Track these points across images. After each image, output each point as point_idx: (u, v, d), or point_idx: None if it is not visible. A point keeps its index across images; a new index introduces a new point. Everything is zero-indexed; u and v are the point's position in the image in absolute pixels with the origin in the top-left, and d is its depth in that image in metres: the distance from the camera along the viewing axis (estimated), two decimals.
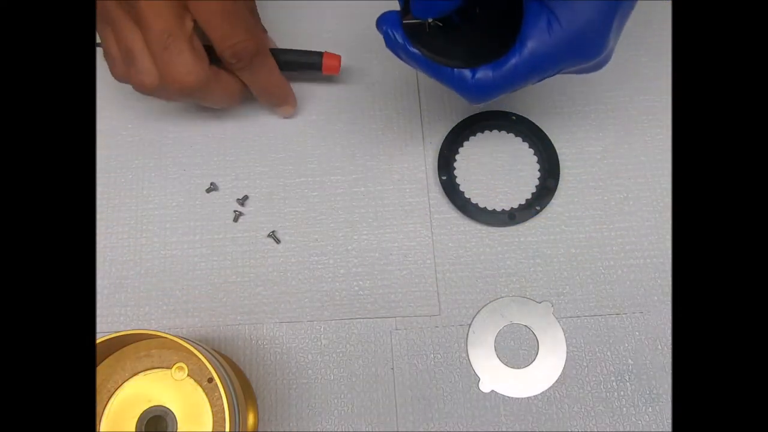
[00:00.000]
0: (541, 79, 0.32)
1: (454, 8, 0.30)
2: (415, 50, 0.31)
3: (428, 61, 0.31)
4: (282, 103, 0.43)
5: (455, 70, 0.31)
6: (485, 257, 0.41)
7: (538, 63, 0.30)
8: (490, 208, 0.41)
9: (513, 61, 0.30)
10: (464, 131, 0.43)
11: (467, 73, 0.31)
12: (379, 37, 0.40)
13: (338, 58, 0.42)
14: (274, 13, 0.45)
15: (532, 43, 0.30)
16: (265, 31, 0.43)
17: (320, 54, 0.42)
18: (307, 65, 0.42)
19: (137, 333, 0.32)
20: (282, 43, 0.43)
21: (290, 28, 0.45)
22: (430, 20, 0.30)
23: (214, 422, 0.33)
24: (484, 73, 0.31)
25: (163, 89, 0.36)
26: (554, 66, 0.31)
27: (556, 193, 0.42)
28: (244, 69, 0.38)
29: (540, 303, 0.40)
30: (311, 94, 0.44)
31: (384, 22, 0.31)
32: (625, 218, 0.41)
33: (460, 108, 0.44)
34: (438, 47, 0.31)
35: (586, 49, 0.30)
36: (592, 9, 0.29)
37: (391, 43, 0.32)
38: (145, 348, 0.34)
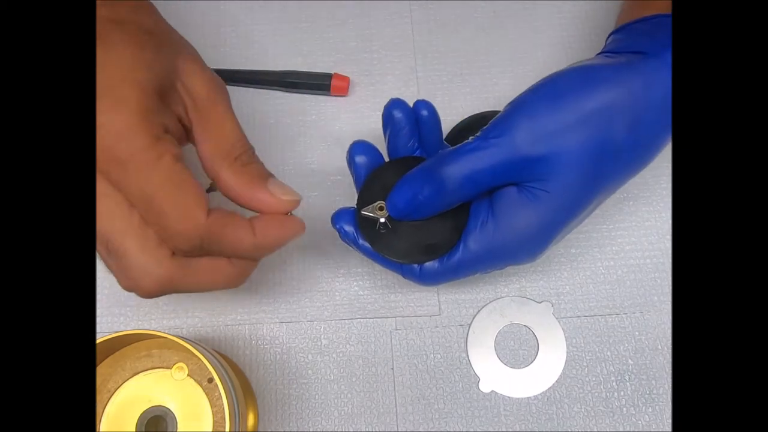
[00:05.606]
0: (488, 271, 0.34)
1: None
2: (366, 244, 0.34)
3: (376, 254, 0.34)
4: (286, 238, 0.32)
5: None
6: None
7: (480, 261, 0.33)
8: None
9: (456, 258, 0.33)
10: (465, 132, 0.43)
11: (415, 265, 0.34)
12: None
13: (347, 79, 0.43)
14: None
15: (474, 244, 0.32)
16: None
17: (329, 75, 0.43)
18: (316, 86, 0.43)
19: (137, 333, 0.32)
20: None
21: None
22: (382, 220, 0.32)
23: (214, 422, 0.33)
24: (430, 265, 0.33)
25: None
26: (496, 264, 0.33)
27: None
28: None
29: (540, 303, 0.40)
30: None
31: (338, 219, 0.34)
32: (625, 218, 0.41)
33: (461, 109, 0.44)
34: (386, 239, 0.33)
35: (522, 255, 0.33)
36: (531, 223, 0.31)
37: (344, 237, 0.34)
38: (145, 348, 0.34)
